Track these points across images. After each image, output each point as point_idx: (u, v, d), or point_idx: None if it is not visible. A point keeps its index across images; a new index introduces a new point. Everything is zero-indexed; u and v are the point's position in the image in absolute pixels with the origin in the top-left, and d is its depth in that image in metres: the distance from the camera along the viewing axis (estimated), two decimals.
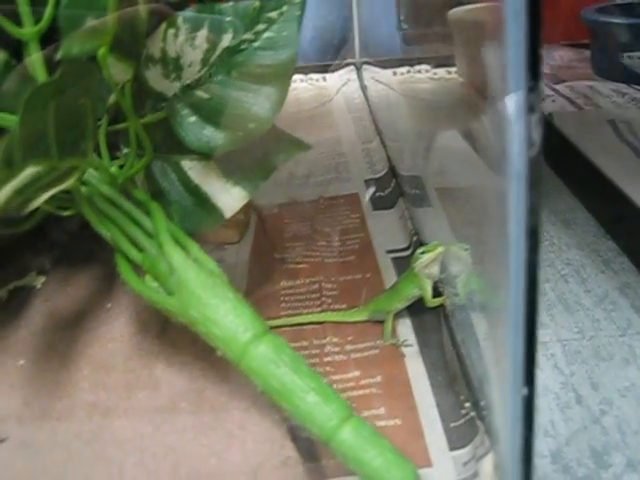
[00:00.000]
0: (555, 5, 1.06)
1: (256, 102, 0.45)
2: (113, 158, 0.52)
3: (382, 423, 0.44)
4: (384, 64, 1.05)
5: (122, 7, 0.44)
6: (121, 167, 0.51)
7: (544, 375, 0.46)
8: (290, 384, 0.39)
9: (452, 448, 0.42)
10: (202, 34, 0.46)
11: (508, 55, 0.23)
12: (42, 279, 0.59)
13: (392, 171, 0.77)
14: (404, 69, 0.97)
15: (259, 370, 0.40)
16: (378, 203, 0.72)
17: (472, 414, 0.43)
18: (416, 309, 0.53)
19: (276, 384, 0.40)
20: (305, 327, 0.53)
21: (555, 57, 1.16)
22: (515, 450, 0.31)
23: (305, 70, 1.19)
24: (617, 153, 0.70)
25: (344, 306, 0.55)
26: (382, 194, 0.74)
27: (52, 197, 0.40)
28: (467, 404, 0.44)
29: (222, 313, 0.42)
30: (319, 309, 0.55)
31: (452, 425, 0.43)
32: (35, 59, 0.44)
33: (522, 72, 0.23)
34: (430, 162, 0.69)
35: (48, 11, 0.43)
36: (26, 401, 0.47)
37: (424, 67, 0.92)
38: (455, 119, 0.65)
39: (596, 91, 0.96)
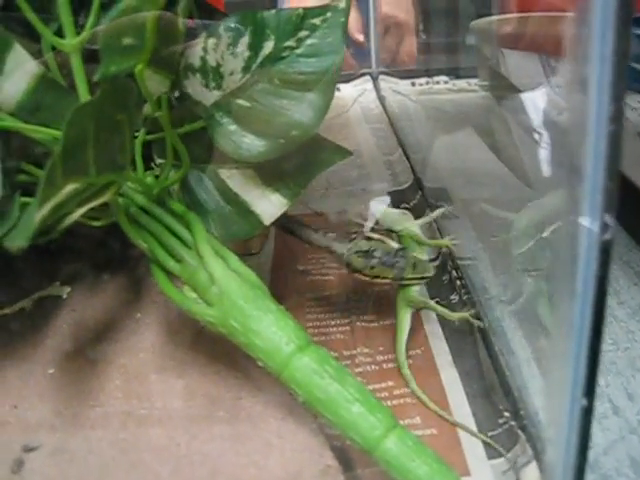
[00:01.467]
0: None
1: (299, 110, 0.45)
2: (148, 169, 0.52)
3: (418, 432, 0.44)
4: (402, 74, 1.05)
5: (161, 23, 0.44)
6: (156, 177, 0.51)
7: None
8: (334, 395, 0.40)
9: (490, 457, 0.42)
10: (243, 42, 0.45)
11: (595, 70, 0.23)
12: (67, 289, 0.59)
13: (418, 183, 0.77)
14: (423, 80, 0.97)
15: (302, 381, 0.41)
16: None
17: (512, 423, 0.43)
18: (446, 318, 0.53)
19: (320, 395, 0.40)
20: (334, 338, 0.53)
21: None
22: (569, 459, 0.31)
23: None
24: None
25: (373, 317, 0.55)
26: (407, 206, 0.73)
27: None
28: (506, 413, 0.44)
29: (265, 324, 0.42)
30: (347, 320, 0.55)
31: (490, 434, 0.43)
32: (78, 72, 0.44)
33: (607, 85, 0.23)
34: (454, 173, 0.69)
35: (90, 21, 0.43)
36: (57, 410, 0.47)
37: (443, 78, 0.91)
38: (478, 130, 0.65)
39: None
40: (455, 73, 0.90)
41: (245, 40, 0.45)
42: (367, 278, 0.50)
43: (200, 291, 0.44)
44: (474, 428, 0.44)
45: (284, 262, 0.64)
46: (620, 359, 0.48)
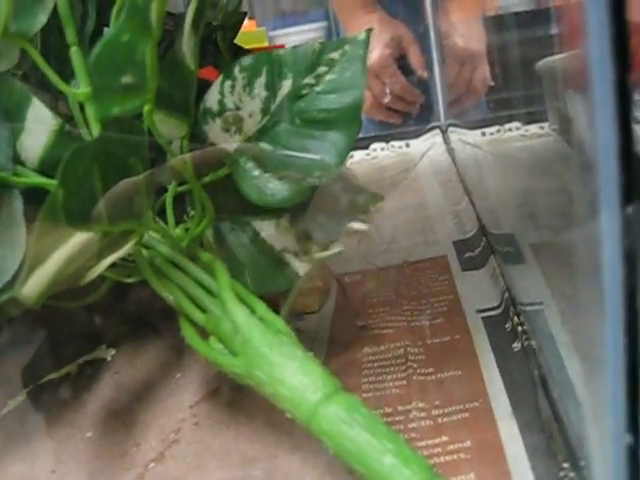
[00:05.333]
0: None
1: (321, 149, 0.43)
2: (181, 221, 0.51)
3: None
4: (471, 125, 1.04)
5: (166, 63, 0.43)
6: (187, 230, 0.50)
7: None
8: (365, 445, 0.36)
9: None
10: (259, 82, 0.44)
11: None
12: (112, 352, 0.58)
13: (482, 230, 0.74)
14: (494, 128, 0.96)
15: (331, 431, 0.37)
16: (468, 264, 0.69)
17: (571, 475, 0.39)
18: (507, 367, 0.50)
19: (350, 446, 0.37)
20: (389, 393, 0.50)
21: None
22: None
23: (386, 138, 1.17)
24: None
25: (430, 370, 0.52)
26: (472, 254, 0.71)
27: (115, 265, 0.39)
28: (565, 464, 0.40)
29: (289, 372, 0.39)
30: (404, 374, 0.52)
31: None
32: (94, 121, 0.43)
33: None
34: (522, 219, 0.66)
35: None
36: (92, 474, 0.45)
37: (515, 125, 0.90)
38: (550, 175, 0.63)
39: None
40: (527, 118, 0.89)
41: (261, 80, 0.44)
42: None
43: (225, 341, 0.42)
44: None
45: (344, 319, 0.61)
46: None
